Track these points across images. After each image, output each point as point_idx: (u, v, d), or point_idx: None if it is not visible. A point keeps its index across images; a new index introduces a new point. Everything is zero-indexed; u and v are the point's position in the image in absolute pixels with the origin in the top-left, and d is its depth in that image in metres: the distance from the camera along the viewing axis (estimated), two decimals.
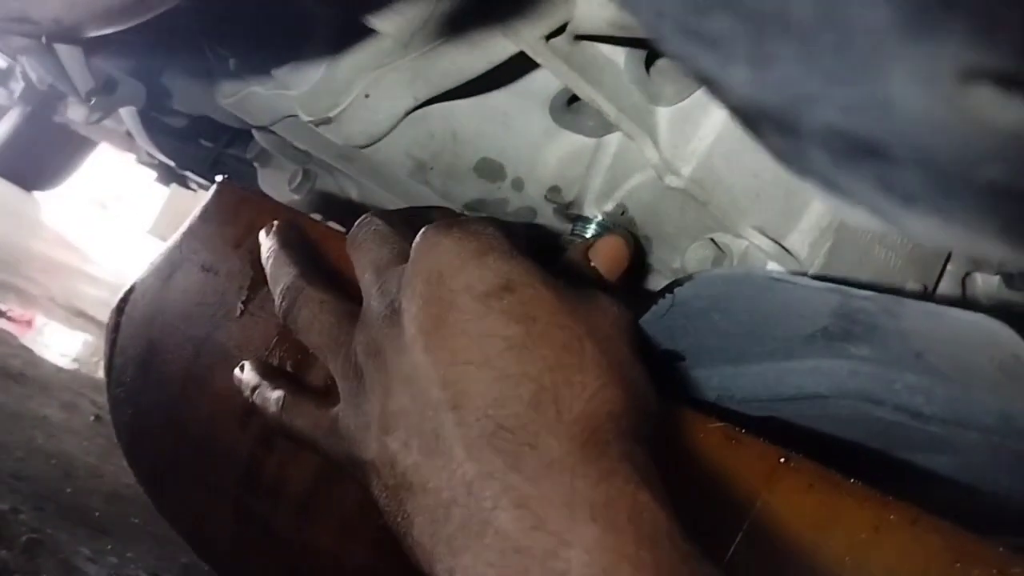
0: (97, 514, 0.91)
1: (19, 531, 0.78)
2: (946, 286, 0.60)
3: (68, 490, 0.94)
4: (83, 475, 1.00)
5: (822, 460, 0.35)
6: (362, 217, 0.42)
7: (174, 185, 1.59)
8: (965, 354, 0.37)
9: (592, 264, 0.42)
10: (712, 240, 0.54)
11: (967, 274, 0.61)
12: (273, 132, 0.69)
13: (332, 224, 0.52)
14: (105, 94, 0.56)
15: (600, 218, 0.54)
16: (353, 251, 0.41)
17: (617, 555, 0.27)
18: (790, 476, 0.35)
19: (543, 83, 0.55)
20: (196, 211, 0.54)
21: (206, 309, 0.50)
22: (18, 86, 1.41)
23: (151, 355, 0.52)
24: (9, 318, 1.58)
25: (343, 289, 0.41)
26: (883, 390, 0.39)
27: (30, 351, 1.42)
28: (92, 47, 0.47)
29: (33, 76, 0.50)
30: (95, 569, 0.79)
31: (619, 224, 0.54)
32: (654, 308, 0.43)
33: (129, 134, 0.98)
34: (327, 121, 0.55)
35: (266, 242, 0.45)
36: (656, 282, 0.60)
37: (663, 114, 0.50)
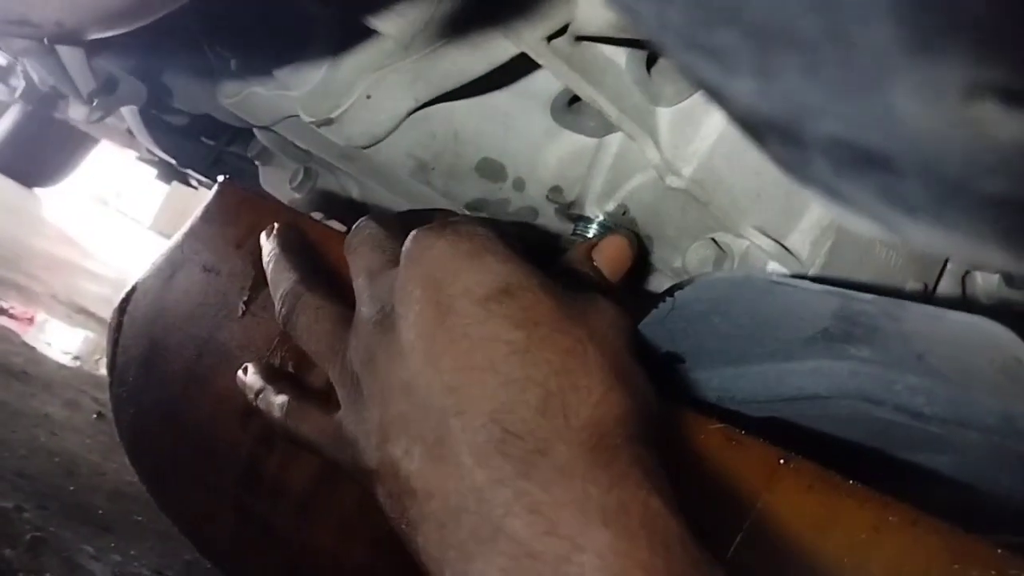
0: (100, 512, 0.91)
1: (23, 529, 0.78)
2: (946, 284, 0.60)
3: (71, 488, 0.94)
4: (86, 473, 1.00)
5: (822, 460, 0.35)
6: (358, 221, 0.41)
7: (175, 182, 1.59)
8: (966, 356, 0.37)
9: (595, 264, 0.42)
10: (713, 240, 0.54)
11: (967, 273, 0.62)
12: (274, 131, 0.69)
13: (333, 224, 0.52)
14: (106, 94, 0.56)
15: (602, 218, 0.54)
16: (349, 256, 0.40)
17: (630, 560, 0.27)
18: (790, 477, 0.35)
19: (544, 84, 0.55)
20: (197, 211, 0.54)
21: (208, 309, 0.50)
22: (19, 83, 1.41)
23: (153, 355, 0.52)
24: (11, 315, 1.58)
25: (343, 293, 0.41)
26: (884, 391, 0.40)
27: (32, 348, 1.41)
28: (94, 48, 0.47)
29: (35, 77, 0.50)
30: (99, 567, 0.79)
31: (621, 224, 0.54)
32: (654, 311, 0.43)
33: (130, 131, 0.98)
34: (328, 122, 0.55)
35: (267, 245, 0.45)
36: (657, 282, 0.60)
37: (664, 114, 0.50)
